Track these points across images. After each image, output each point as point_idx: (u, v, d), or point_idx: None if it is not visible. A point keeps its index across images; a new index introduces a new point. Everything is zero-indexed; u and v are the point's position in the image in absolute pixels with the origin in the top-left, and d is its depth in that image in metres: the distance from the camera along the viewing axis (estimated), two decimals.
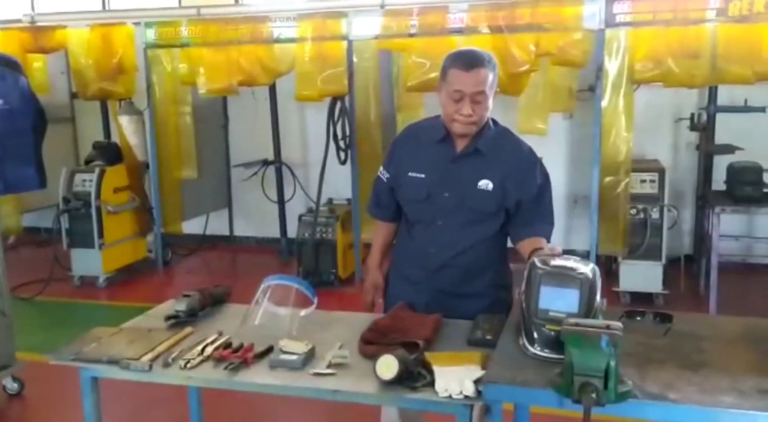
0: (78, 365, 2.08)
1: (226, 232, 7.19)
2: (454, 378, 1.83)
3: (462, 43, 5.03)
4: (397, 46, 5.30)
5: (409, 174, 2.38)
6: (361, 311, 2.57)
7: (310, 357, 2.04)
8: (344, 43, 5.38)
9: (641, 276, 4.95)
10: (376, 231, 2.64)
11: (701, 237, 5.34)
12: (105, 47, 5.94)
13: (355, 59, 5.40)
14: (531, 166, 2.35)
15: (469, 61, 2.20)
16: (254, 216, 7.05)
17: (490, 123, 2.35)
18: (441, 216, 2.35)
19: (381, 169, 2.51)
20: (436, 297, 2.37)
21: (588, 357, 1.57)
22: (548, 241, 2.29)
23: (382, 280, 2.58)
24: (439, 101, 2.29)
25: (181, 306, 2.37)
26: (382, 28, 5.26)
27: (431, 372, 1.88)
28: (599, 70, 4.80)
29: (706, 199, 5.14)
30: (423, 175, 2.35)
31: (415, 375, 1.87)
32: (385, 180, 2.48)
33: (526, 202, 2.33)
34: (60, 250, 5.74)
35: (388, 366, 1.84)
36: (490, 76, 2.21)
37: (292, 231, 6.14)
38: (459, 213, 2.33)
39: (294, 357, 2.01)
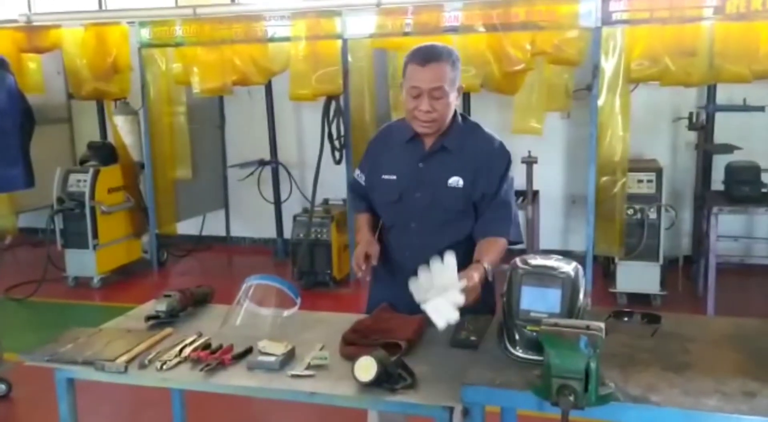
0: (53, 366, 2.05)
1: (223, 233, 7.16)
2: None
3: (457, 42, 4.99)
4: (391, 44, 5.25)
5: (382, 176, 2.33)
6: (356, 311, 2.52)
7: (289, 358, 2.00)
8: (339, 42, 5.34)
9: (639, 277, 4.89)
10: (361, 216, 2.47)
11: (700, 238, 5.28)
12: (99, 47, 5.91)
13: (349, 58, 5.36)
14: (501, 160, 2.28)
15: (426, 55, 2.13)
16: (250, 217, 7.02)
17: (459, 119, 2.29)
18: (414, 218, 2.30)
19: (357, 171, 2.47)
20: None
21: (566, 358, 1.52)
22: (509, 238, 2.25)
23: (377, 246, 2.32)
24: (402, 99, 2.25)
25: (162, 306, 2.34)
26: (376, 26, 5.22)
27: (411, 375, 1.84)
28: (596, 69, 4.75)
29: (704, 199, 5.08)
30: (394, 177, 2.31)
31: (394, 377, 1.83)
32: (362, 182, 2.44)
33: (489, 195, 2.26)
34: (54, 251, 5.71)
35: (366, 368, 1.80)
36: (449, 71, 2.13)
37: (288, 232, 6.10)
38: (431, 213, 2.27)
39: (272, 358, 1.97)
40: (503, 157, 2.28)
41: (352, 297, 5.35)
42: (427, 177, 2.28)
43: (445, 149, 2.27)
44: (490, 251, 2.18)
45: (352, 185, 2.51)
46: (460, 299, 1.90)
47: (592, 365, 1.52)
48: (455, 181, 2.24)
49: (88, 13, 6.55)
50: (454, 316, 1.89)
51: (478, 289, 2.05)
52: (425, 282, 1.97)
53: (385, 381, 1.81)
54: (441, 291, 1.92)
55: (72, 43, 5.99)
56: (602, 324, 1.59)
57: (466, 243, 2.27)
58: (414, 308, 2.27)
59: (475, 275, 2.05)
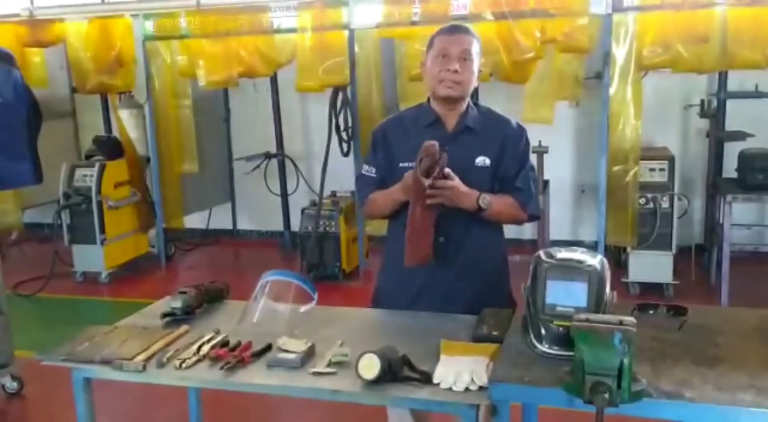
0: (69, 365, 2.02)
1: (229, 226, 7.13)
2: (454, 369, 1.76)
3: None
4: (399, 34, 5.19)
5: (401, 165, 2.26)
6: (366, 304, 2.48)
7: (309, 355, 1.96)
8: (345, 33, 5.28)
9: (651, 266, 4.86)
10: (376, 193, 2.34)
11: (712, 227, 5.24)
12: (103, 40, 5.84)
13: (356, 48, 5.30)
14: (521, 139, 2.35)
15: (454, 27, 2.31)
16: (257, 210, 6.98)
17: (471, 104, 2.33)
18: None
19: (365, 167, 2.38)
20: (450, 284, 2.31)
21: (600, 355, 1.48)
22: (526, 208, 2.31)
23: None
24: (426, 74, 2.28)
25: (177, 303, 2.30)
26: (383, 16, 5.15)
27: (421, 373, 1.79)
28: (606, 56, 4.69)
29: (716, 187, 5.03)
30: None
31: (399, 377, 1.79)
32: (374, 175, 2.35)
33: (512, 174, 2.31)
34: (61, 246, 5.68)
35: (369, 366, 1.78)
36: (475, 43, 2.24)
37: (295, 225, 6.07)
38: None
39: (292, 355, 1.94)
40: (523, 136, 2.35)
41: (362, 290, 5.32)
42: (454, 158, 2.21)
43: (469, 129, 2.28)
44: (497, 196, 2.26)
45: (359, 180, 2.42)
46: None
47: (626, 361, 1.48)
48: (482, 160, 2.27)
49: (91, 6, 6.47)
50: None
51: (454, 190, 2.12)
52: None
53: (390, 380, 1.77)
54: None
55: (75, 36, 5.92)
56: (634, 319, 1.55)
57: (491, 225, 2.33)
58: (426, 292, 2.30)
59: (461, 184, 2.15)
